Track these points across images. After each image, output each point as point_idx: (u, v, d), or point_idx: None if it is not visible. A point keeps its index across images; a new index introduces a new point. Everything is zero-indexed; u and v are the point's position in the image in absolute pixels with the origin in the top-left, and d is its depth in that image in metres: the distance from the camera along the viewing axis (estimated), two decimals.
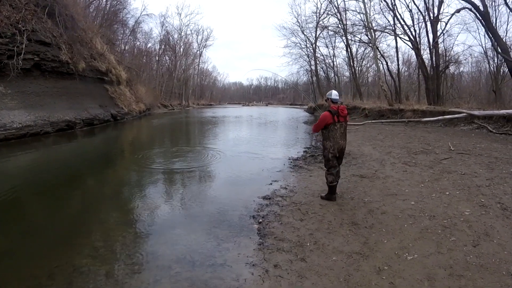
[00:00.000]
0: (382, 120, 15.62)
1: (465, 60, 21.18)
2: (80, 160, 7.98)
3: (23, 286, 2.47)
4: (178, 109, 40.68)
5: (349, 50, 27.19)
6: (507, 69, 15.60)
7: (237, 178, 5.60)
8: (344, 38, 26.07)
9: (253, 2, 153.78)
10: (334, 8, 24.99)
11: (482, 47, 19.66)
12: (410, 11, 18.85)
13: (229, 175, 5.84)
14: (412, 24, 18.66)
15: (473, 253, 2.68)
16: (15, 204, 4.45)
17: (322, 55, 34.72)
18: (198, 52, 53.32)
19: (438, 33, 17.40)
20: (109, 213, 4.11)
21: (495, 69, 19.19)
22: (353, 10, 30.79)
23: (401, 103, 18.33)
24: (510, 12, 16.64)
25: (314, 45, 32.22)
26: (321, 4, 28.36)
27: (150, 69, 41.92)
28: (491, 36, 14.28)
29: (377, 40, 21.51)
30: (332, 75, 36.46)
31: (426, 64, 18.46)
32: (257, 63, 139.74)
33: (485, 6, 13.32)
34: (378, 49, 21.43)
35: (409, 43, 19.09)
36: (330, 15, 27.24)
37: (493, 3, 17.25)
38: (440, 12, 17.37)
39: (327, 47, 33.97)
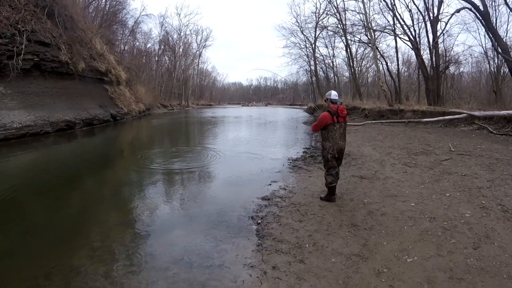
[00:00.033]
0: (382, 121, 15.59)
1: (465, 60, 21.18)
2: (79, 160, 7.96)
3: (21, 287, 2.46)
4: (177, 109, 40.67)
5: (348, 50, 27.21)
6: (507, 69, 15.57)
7: (237, 179, 5.58)
8: (343, 38, 26.09)
9: (253, 2, 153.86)
10: (334, 8, 25.02)
11: (482, 47, 19.65)
12: (410, 11, 18.86)
13: (228, 175, 5.81)
14: (412, 24, 18.66)
15: (474, 256, 2.66)
16: (14, 204, 4.44)
17: (322, 55, 34.78)
18: (197, 52, 53.38)
19: (438, 33, 17.38)
20: (108, 213, 4.09)
21: (495, 69, 19.16)
22: (352, 10, 31.02)
23: (401, 104, 18.30)
24: (510, 12, 16.62)
25: (313, 45, 32.25)
26: (321, 4, 28.41)
27: (150, 69, 41.95)
28: (491, 36, 14.25)
29: (376, 40, 21.51)
30: (332, 75, 36.51)
31: (426, 64, 18.43)
32: (257, 63, 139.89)
33: (485, 6, 13.30)
34: (377, 49, 21.41)
35: (409, 43, 19.08)
36: (329, 15, 27.30)
37: (493, 3, 17.23)
38: (440, 12, 17.37)
39: (327, 47, 34.06)
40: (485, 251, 2.72)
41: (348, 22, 24.31)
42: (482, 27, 15.66)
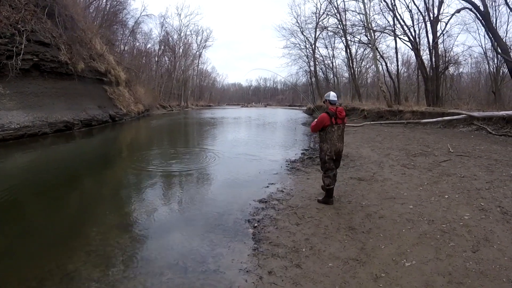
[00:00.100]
0: (381, 122, 15.56)
1: (464, 61, 21.20)
2: (77, 161, 7.93)
3: None
4: (177, 110, 40.65)
5: (348, 51, 27.17)
6: (506, 70, 15.58)
7: (234, 181, 5.55)
8: (343, 38, 26.06)
9: (253, 3, 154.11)
10: (334, 8, 24.98)
11: (482, 48, 19.67)
12: (410, 11, 18.84)
13: (226, 177, 5.78)
14: (412, 25, 18.66)
15: (473, 259, 2.62)
16: (11, 205, 4.40)
17: (322, 56, 34.70)
18: (197, 52, 53.34)
19: (438, 34, 17.37)
20: (104, 215, 4.05)
21: (494, 70, 19.16)
22: (352, 11, 30.98)
23: (400, 104, 18.27)
24: (510, 12, 16.62)
25: (313, 46, 32.21)
26: (321, 4, 28.33)
27: (150, 70, 41.92)
28: (491, 36, 14.24)
29: (376, 40, 21.50)
30: (331, 76, 36.45)
31: (426, 65, 18.42)
32: (257, 63, 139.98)
33: (485, 6, 13.29)
34: (377, 50, 21.40)
35: (409, 44, 19.07)
36: (329, 16, 27.25)
37: (493, 3, 17.23)
38: (440, 13, 17.36)
39: (327, 48, 34.01)
40: (484, 254, 2.69)
41: (348, 23, 24.32)
42: (482, 28, 15.67)
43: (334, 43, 32.13)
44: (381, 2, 19.99)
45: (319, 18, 29.25)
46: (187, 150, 9.36)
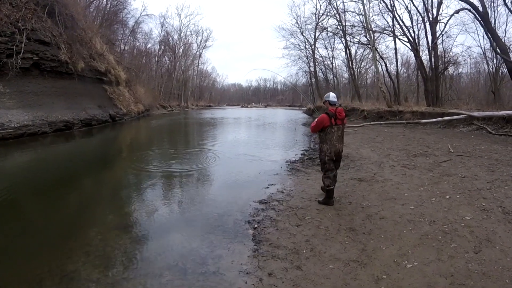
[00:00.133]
0: (381, 122, 15.54)
1: (464, 61, 21.22)
2: (77, 161, 7.91)
3: None
4: (177, 110, 40.61)
5: (348, 51, 27.17)
6: (506, 70, 15.59)
7: (234, 181, 5.52)
8: (343, 39, 26.04)
9: (253, 3, 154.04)
10: (334, 9, 24.99)
11: (481, 48, 19.71)
12: (409, 12, 18.86)
13: (226, 178, 5.76)
14: (411, 25, 18.70)
15: (475, 260, 2.60)
16: (10, 205, 4.38)
17: (321, 57, 34.68)
18: (197, 53, 53.32)
19: (437, 34, 17.38)
20: (104, 216, 4.03)
21: (494, 70, 19.19)
22: (352, 12, 30.92)
23: (400, 105, 18.28)
24: (509, 13, 16.60)
25: (313, 47, 32.20)
26: (321, 5, 28.32)
27: (150, 70, 41.89)
28: (490, 36, 14.25)
29: (376, 41, 21.50)
30: (331, 76, 36.47)
31: (425, 66, 18.43)
32: (256, 64, 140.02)
33: (484, 6, 13.30)
34: (377, 51, 21.40)
35: (408, 45, 19.09)
36: (329, 17, 27.22)
37: (492, 3, 17.28)
38: (439, 13, 17.38)
39: (326, 48, 33.95)
40: (486, 255, 2.67)
41: (347, 23, 24.32)
42: (481, 28, 15.70)
43: (333, 44, 32.16)
44: (380, 3, 20.02)
45: (318, 19, 29.28)
46: (187, 151, 9.33)
